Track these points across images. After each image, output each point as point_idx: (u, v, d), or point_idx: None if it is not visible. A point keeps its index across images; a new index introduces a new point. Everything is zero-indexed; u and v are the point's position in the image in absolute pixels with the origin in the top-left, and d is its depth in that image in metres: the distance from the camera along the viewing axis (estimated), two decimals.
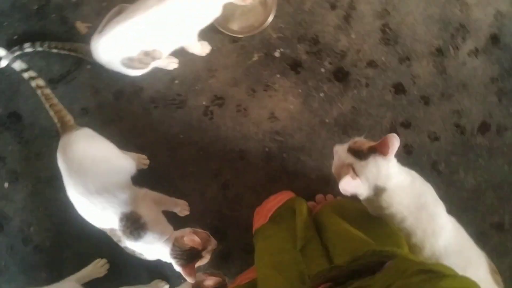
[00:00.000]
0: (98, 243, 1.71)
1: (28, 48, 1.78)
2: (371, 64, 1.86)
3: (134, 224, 1.41)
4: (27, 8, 1.90)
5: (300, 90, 1.85)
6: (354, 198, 1.25)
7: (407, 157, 1.82)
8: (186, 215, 1.76)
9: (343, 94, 1.85)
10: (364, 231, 1.24)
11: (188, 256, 1.41)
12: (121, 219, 1.40)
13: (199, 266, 1.47)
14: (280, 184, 1.80)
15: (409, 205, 1.22)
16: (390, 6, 1.87)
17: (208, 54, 1.85)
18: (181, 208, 1.75)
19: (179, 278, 1.73)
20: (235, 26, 1.88)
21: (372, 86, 1.85)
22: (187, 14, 1.53)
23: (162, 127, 1.85)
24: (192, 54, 1.81)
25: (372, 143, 1.21)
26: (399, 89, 1.85)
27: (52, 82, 1.85)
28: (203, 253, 1.44)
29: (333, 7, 1.87)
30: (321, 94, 1.85)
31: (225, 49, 1.87)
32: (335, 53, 1.86)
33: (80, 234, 1.70)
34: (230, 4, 1.60)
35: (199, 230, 1.49)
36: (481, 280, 1.21)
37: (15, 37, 1.87)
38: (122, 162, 1.57)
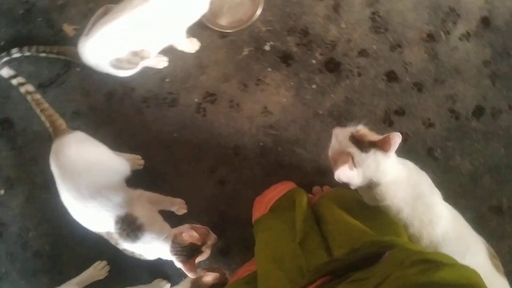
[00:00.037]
0: (98, 246, 1.69)
1: (16, 54, 1.77)
2: (363, 53, 1.85)
3: (131, 226, 1.40)
4: (12, 13, 1.89)
5: (292, 83, 1.84)
6: (348, 186, 1.24)
7: (402, 144, 1.75)
8: (185, 214, 1.76)
9: (336, 84, 1.84)
10: (363, 221, 1.24)
11: (188, 252, 1.42)
12: (117, 222, 1.40)
13: (200, 262, 1.47)
14: (276, 178, 1.79)
15: (404, 197, 1.22)
16: None
17: (197, 51, 1.84)
18: (179, 206, 1.74)
19: (180, 276, 1.73)
20: (223, 21, 1.86)
21: (364, 75, 1.84)
22: (173, 12, 1.51)
23: (155, 127, 1.84)
24: (182, 52, 1.80)
25: (374, 135, 1.20)
26: (391, 77, 1.84)
27: (42, 87, 1.84)
28: (203, 248, 1.45)
29: None
30: (314, 86, 1.84)
31: (215, 45, 1.86)
32: (325, 43, 1.85)
33: (79, 237, 1.69)
34: None
35: (198, 225, 1.49)
36: (480, 266, 1.22)
37: (2, 43, 1.86)
38: (116, 164, 1.56)
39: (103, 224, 1.43)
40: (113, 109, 1.85)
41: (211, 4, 1.60)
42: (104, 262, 1.81)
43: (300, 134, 1.83)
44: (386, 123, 1.83)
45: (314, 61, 1.84)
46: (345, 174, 1.16)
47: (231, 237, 1.82)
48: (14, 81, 1.73)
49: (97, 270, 1.78)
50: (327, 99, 1.83)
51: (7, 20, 1.88)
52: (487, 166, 1.84)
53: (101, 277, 1.79)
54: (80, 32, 1.62)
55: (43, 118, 1.62)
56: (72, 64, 1.84)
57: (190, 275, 1.41)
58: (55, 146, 1.49)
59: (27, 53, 1.77)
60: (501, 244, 1.79)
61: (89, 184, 1.40)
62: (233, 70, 1.85)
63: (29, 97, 1.68)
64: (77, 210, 1.42)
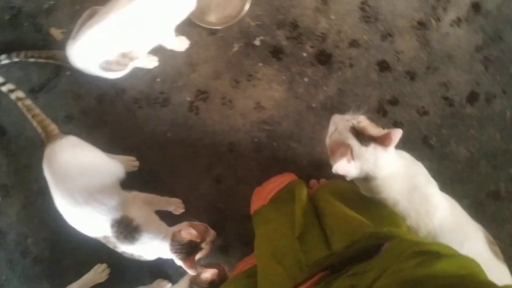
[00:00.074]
0: (97, 249, 1.68)
1: (4, 60, 1.75)
2: (353, 43, 1.84)
3: (127, 228, 1.40)
4: None
5: (284, 77, 1.83)
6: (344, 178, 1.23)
7: None
8: (183, 213, 1.76)
9: (328, 77, 1.83)
10: (361, 211, 1.24)
11: (188, 249, 1.42)
12: (113, 226, 1.39)
13: (200, 259, 1.47)
14: (272, 173, 1.77)
15: (400, 190, 1.21)
16: None
17: (187, 49, 1.82)
18: (176, 206, 1.74)
19: (180, 275, 1.72)
20: (212, 18, 1.85)
21: (356, 66, 1.83)
22: (160, 11, 1.50)
23: (148, 127, 1.83)
24: (172, 51, 1.78)
25: (374, 128, 1.20)
26: (383, 66, 1.83)
27: (32, 92, 1.82)
28: (203, 245, 1.45)
29: None
30: (306, 79, 1.83)
31: (204, 42, 1.84)
32: (315, 36, 1.84)
33: (78, 241, 1.67)
34: None
35: (196, 222, 1.49)
36: (479, 254, 1.22)
37: None
38: (109, 168, 1.56)
39: (99, 229, 1.42)
40: (105, 112, 1.84)
41: (199, 1, 1.58)
42: (104, 265, 1.80)
43: (294, 128, 1.82)
44: (380, 113, 1.82)
45: (305, 54, 1.83)
46: (343, 167, 1.16)
47: (230, 234, 1.81)
48: (4, 88, 1.70)
49: (98, 273, 1.78)
50: (319, 91, 1.82)
51: None
52: (483, 151, 1.83)
53: (102, 280, 1.78)
54: (68, 35, 1.60)
55: (35, 123, 1.60)
56: (62, 68, 1.82)
57: (191, 272, 1.42)
58: (47, 152, 1.48)
59: (16, 59, 1.75)
60: (500, 229, 1.79)
61: (83, 189, 1.39)
62: (224, 67, 1.84)
63: (20, 103, 1.66)
64: (72, 216, 1.42)
